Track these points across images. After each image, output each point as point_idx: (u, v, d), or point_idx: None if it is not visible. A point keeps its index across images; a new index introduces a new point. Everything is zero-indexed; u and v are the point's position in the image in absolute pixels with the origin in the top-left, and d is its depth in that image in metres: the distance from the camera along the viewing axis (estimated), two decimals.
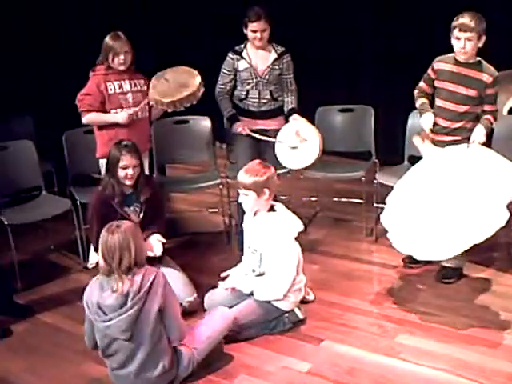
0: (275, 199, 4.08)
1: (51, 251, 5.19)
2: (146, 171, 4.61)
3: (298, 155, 4.67)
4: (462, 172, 3.89)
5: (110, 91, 4.49)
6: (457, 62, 4.11)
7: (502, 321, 3.92)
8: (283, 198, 4.96)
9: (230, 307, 3.84)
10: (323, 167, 5.10)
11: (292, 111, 4.90)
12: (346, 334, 3.89)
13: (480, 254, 4.43)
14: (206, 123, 5.43)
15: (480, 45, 4.02)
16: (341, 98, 5.72)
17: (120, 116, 4.46)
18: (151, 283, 3.27)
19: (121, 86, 4.53)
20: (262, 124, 4.89)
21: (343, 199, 5.65)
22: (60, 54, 5.81)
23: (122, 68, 4.51)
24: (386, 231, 4.11)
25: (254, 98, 4.86)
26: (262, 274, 3.92)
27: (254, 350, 3.78)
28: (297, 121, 4.80)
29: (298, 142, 4.69)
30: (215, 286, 4.12)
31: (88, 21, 5.86)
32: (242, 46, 4.86)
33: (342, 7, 6.29)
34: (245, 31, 4.75)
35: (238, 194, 4.00)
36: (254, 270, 3.93)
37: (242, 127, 4.81)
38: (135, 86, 4.59)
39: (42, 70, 5.73)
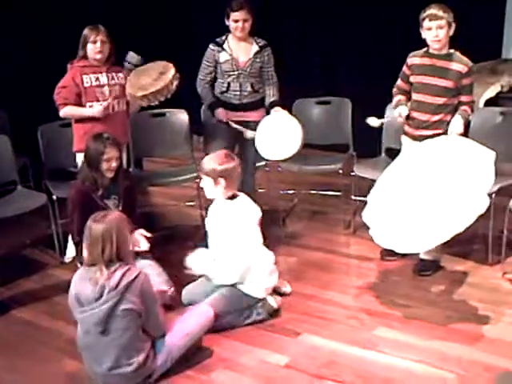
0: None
1: (27, 246, 5.12)
2: (124, 165, 4.58)
3: (279, 146, 4.65)
4: (441, 163, 3.89)
5: (85, 84, 4.44)
6: (430, 55, 4.12)
7: (479, 312, 3.94)
8: (261, 190, 4.96)
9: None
10: (301, 160, 5.08)
11: (274, 103, 4.89)
12: (323, 327, 3.88)
13: (457, 246, 4.45)
14: (183, 116, 5.40)
15: (451, 33, 4.03)
16: (318, 90, 5.71)
17: (96, 109, 4.42)
18: (130, 282, 3.23)
19: (97, 79, 4.48)
20: (242, 115, 4.87)
21: (321, 192, 5.65)
22: (36, 47, 5.74)
23: (98, 57, 4.45)
24: (364, 224, 4.10)
25: (235, 90, 4.84)
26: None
27: (231, 343, 3.76)
28: (279, 112, 4.79)
29: (279, 133, 4.67)
30: (193, 280, 4.10)
31: (68, 14, 5.78)
32: (224, 37, 4.83)
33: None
34: (227, 22, 4.73)
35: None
36: (214, 258, 3.94)
37: (222, 114, 4.80)
38: (112, 78, 4.54)
39: (18, 63, 5.65)
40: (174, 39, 6.67)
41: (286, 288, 4.21)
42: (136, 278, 3.25)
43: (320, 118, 5.52)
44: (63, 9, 5.87)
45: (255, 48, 4.85)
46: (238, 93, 4.86)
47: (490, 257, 4.50)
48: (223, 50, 4.80)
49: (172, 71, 4.41)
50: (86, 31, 4.44)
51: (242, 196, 3.98)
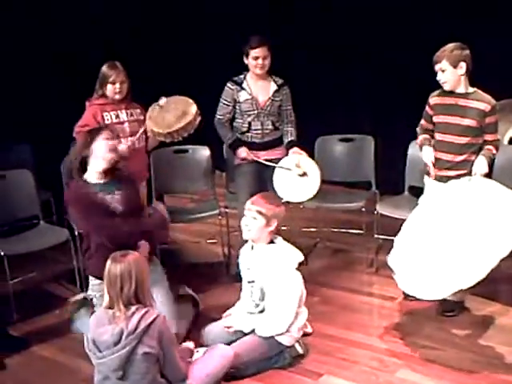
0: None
1: (48, 281, 5.12)
2: (144, 200, 4.58)
3: (296, 189, 4.64)
4: (466, 207, 3.83)
5: (107, 121, 4.47)
6: (451, 94, 4.10)
7: (505, 357, 3.85)
8: (283, 228, 4.90)
9: (229, 343, 3.79)
10: (323, 197, 5.06)
11: (291, 143, 4.88)
12: (345, 369, 3.81)
13: (483, 286, 4.32)
14: (205, 152, 5.41)
15: (460, 73, 3.99)
16: (341, 127, 5.69)
17: (120, 147, 4.39)
18: (148, 325, 3.20)
19: (117, 116, 4.52)
20: (265, 154, 4.85)
21: (343, 230, 5.60)
22: (61, 83, 5.80)
23: (117, 97, 4.50)
24: (386, 263, 4.06)
25: (257, 129, 4.82)
26: (263, 311, 3.87)
27: (247, 383, 3.72)
28: (297, 154, 4.77)
29: (297, 176, 4.65)
30: (214, 319, 4.06)
31: (90, 50, 5.83)
32: (242, 76, 4.83)
33: (341, 35, 6.30)
34: (245, 61, 4.73)
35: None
36: (257, 305, 3.88)
37: (246, 152, 4.78)
38: (132, 115, 4.58)
39: (43, 98, 5.70)
40: (189, 74, 6.68)
41: (308, 328, 4.15)
42: (154, 320, 3.22)
43: (343, 155, 5.50)
44: (89, 42, 5.93)
45: (274, 87, 4.84)
46: (260, 131, 4.84)
47: None
48: (242, 89, 4.78)
49: (194, 107, 4.42)
50: (104, 70, 4.48)
51: (279, 239, 3.93)
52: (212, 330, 3.99)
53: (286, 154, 4.85)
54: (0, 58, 5.48)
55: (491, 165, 4.20)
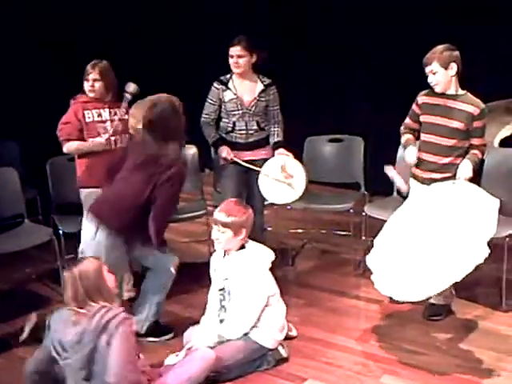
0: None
1: (32, 281, 5.06)
2: None
3: (282, 190, 4.60)
4: (446, 210, 3.79)
5: (87, 119, 4.41)
6: (441, 95, 4.06)
7: (489, 361, 3.82)
8: (270, 228, 4.89)
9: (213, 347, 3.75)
10: (311, 198, 5.03)
11: (278, 144, 4.84)
12: (330, 373, 3.78)
13: (469, 290, 4.36)
14: (192, 151, 5.37)
15: (451, 74, 3.97)
16: (330, 128, 5.65)
17: (95, 143, 4.38)
18: (108, 320, 3.19)
19: (100, 115, 4.45)
20: (250, 155, 4.82)
21: (331, 231, 5.57)
22: (48, 80, 5.74)
23: (91, 95, 4.44)
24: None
25: (241, 129, 4.79)
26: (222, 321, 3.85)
27: None
28: (283, 156, 4.73)
29: (283, 177, 4.62)
30: (197, 322, 4.02)
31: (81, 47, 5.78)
32: (228, 76, 4.80)
33: (331, 34, 6.28)
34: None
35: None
36: (218, 315, 3.85)
37: (226, 151, 4.74)
38: (115, 114, 4.49)
39: (29, 96, 5.65)
40: (183, 74, 6.64)
41: (292, 332, 4.11)
42: (115, 316, 3.21)
43: (332, 156, 5.47)
44: (79, 40, 5.88)
45: (260, 87, 4.80)
46: (244, 132, 4.80)
47: (504, 302, 4.39)
48: (228, 88, 4.75)
49: None
50: (86, 67, 4.45)
51: (250, 242, 3.88)
52: (193, 333, 3.94)
53: (272, 155, 4.81)
54: None
55: (478, 169, 4.17)
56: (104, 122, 4.45)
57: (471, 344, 4.01)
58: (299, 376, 3.76)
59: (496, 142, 5.46)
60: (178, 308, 4.56)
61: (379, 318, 4.39)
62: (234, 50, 4.64)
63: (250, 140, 4.83)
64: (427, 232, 3.76)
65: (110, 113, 4.48)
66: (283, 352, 3.88)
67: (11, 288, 4.94)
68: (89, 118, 4.42)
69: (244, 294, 3.73)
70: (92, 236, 3.97)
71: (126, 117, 4.49)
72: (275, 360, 3.85)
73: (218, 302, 3.88)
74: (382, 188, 5.24)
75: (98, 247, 3.92)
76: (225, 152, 4.75)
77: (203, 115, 4.85)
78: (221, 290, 3.86)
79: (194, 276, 5.07)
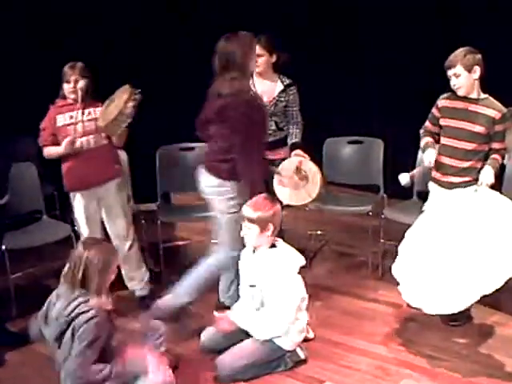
0: (280, 230, 3.96)
1: (48, 277, 5.03)
2: (123, 201, 4.57)
3: (295, 192, 4.53)
4: (472, 220, 3.75)
5: (58, 124, 4.34)
6: (462, 98, 4.02)
7: (506, 367, 3.79)
8: (287, 229, 4.84)
9: (228, 347, 3.75)
10: (330, 200, 5.02)
11: (295, 145, 4.80)
12: (348, 376, 3.76)
13: (489, 296, 4.29)
14: None
15: (475, 77, 3.93)
16: (350, 129, 5.62)
17: (65, 146, 4.26)
18: (78, 314, 3.23)
19: (71, 117, 4.34)
20: (268, 154, 4.78)
21: (349, 233, 5.54)
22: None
23: (72, 96, 4.34)
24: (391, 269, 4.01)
25: None
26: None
27: None
28: (298, 157, 4.70)
29: (297, 179, 4.58)
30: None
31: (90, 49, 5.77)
32: None
33: (352, 39, 6.25)
34: None
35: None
36: (257, 309, 3.81)
37: None
38: (89, 114, 4.38)
39: (47, 91, 5.64)
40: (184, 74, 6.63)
41: (309, 334, 4.09)
42: (87, 311, 3.24)
43: (351, 158, 5.43)
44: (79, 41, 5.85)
45: (280, 87, 4.76)
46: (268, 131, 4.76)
47: None
48: None
49: (127, 94, 4.18)
50: (64, 69, 4.35)
51: (281, 242, 3.87)
52: (210, 334, 3.95)
53: (289, 155, 4.78)
54: (3, 54, 5.42)
55: (499, 174, 4.13)
56: (76, 123, 4.31)
57: (491, 350, 3.98)
58: (317, 378, 3.75)
59: None
60: (199, 307, 4.54)
61: (398, 321, 4.36)
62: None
63: (269, 140, 4.78)
64: (455, 242, 3.72)
65: (83, 113, 4.35)
66: (301, 354, 3.87)
67: (29, 284, 4.94)
68: (60, 122, 4.34)
69: (279, 296, 3.70)
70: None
71: None
72: (293, 362, 3.83)
73: (250, 298, 3.86)
74: (400, 191, 5.16)
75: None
76: None
77: None
78: (252, 286, 3.83)
79: None
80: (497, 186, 4.04)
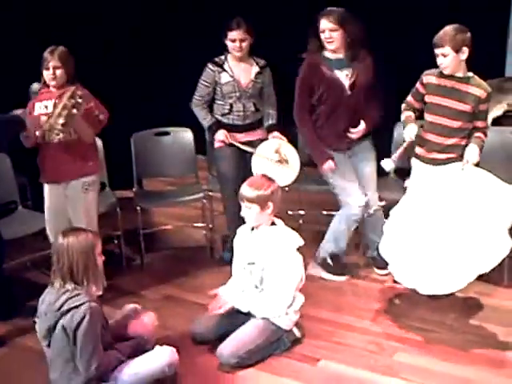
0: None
1: (27, 269, 4.95)
2: (94, 203, 4.36)
3: (274, 174, 4.53)
4: (461, 198, 3.78)
5: (35, 113, 4.15)
6: (448, 76, 4.02)
7: (499, 336, 3.87)
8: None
9: (224, 334, 3.74)
10: (308, 180, 5.01)
11: (272, 127, 4.81)
12: (342, 353, 3.79)
13: None
14: (187, 135, 5.31)
15: (463, 58, 3.92)
16: None
17: (29, 135, 4.09)
18: (69, 309, 3.18)
19: (46, 107, 4.14)
20: (246, 136, 4.77)
21: (328, 212, 5.54)
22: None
23: (52, 83, 4.16)
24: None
25: (238, 111, 4.73)
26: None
27: (249, 372, 3.65)
28: (277, 139, 4.72)
29: (277, 161, 4.61)
30: (197, 304, 4.10)
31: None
32: (223, 57, 4.72)
33: None
34: (225, 41, 4.62)
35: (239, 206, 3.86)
36: (256, 287, 3.80)
37: (225, 135, 4.68)
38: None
39: (16, 82, 5.51)
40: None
41: None
42: (77, 307, 3.18)
43: None
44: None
45: (256, 69, 4.75)
46: (242, 113, 4.74)
47: (506, 278, 4.42)
48: (224, 70, 4.68)
49: (68, 93, 4.00)
50: (44, 54, 4.15)
51: (280, 222, 3.87)
52: (202, 323, 3.91)
53: (266, 137, 4.78)
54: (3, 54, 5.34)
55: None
56: (48, 114, 4.10)
57: (480, 320, 4.06)
58: (313, 357, 3.77)
59: (489, 121, 5.49)
60: (177, 291, 4.54)
61: (383, 297, 4.40)
62: (237, 34, 4.54)
63: (247, 121, 4.78)
64: (445, 222, 3.75)
65: (54, 104, 4.10)
66: (297, 332, 3.87)
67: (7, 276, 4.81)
68: (35, 111, 4.15)
69: (282, 274, 3.70)
70: None
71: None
72: (290, 341, 3.84)
73: (248, 275, 3.84)
74: (378, 169, 5.22)
75: None
76: (223, 135, 4.69)
77: (196, 97, 4.76)
78: (250, 263, 3.82)
79: (190, 260, 5.07)
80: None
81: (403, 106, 4.32)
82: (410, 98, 4.28)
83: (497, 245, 3.57)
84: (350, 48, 4.35)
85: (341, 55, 4.38)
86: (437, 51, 3.92)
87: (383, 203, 4.53)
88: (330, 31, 4.28)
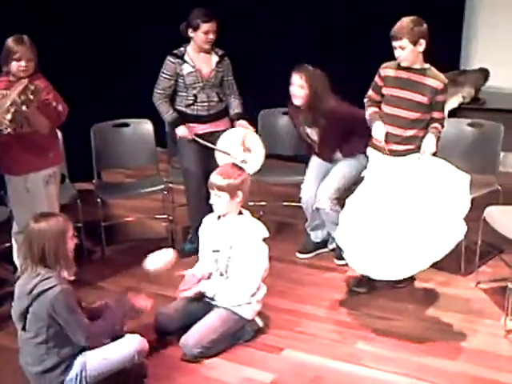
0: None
1: None
2: (56, 195, 4.31)
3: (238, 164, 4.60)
4: (417, 186, 3.84)
5: None
6: (405, 68, 4.05)
7: (457, 323, 3.97)
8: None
9: (187, 324, 3.77)
10: (267, 171, 5.03)
11: (238, 116, 4.84)
12: (305, 342, 3.84)
13: None
14: (147, 126, 5.29)
15: (420, 50, 3.95)
16: (284, 100, 5.64)
17: None
18: (41, 292, 3.18)
19: (3, 95, 3.96)
20: (209, 126, 4.78)
21: (287, 203, 5.60)
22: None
23: (21, 75, 4.03)
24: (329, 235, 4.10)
25: (203, 101, 4.74)
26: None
27: (214, 361, 3.68)
28: (243, 128, 4.75)
29: (242, 152, 4.64)
30: (161, 295, 4.10)
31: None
32: (182, 49, 4.71)
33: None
34: (191, 34, 4.62)
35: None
36: (221, 274, 3.84)
37: (188, 132, 4.69)
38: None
39: None
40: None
41: None
42: (48, 289, 3.19)
43: (286, 129, 5.46)
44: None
45: (216, 58, 4.77)
46: (207, 104, 4.76)
47: (463, 267, 4.53)
48: (185, 62, 4.67)
49: (20, 87, 3.88)
50: (10, 44, 4.00)
51: (246, 212, 3.90)
52: (165, 311, 3.93)
53: (231, 126, 4.80)
54: None
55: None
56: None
57: (437, 308, 4.16)
58: (276, 346, 3.81)
59: (445, 112, 5.60)
60: (138, 283, 4.54)
61: (344, 287, 4.46)
62: (211, 26, 4.56)
63: (212, 112, 4.79)
64: (400, 209, 3.79)
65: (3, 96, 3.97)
66: (260, 322, 3.92)
67: None
68: None
69: (247, 262, 3.75)
70: None
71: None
72: (253, 331, 3.88)
73: (213, 263, 3.88)
74: None
75: None
76: (185, 131, 4.70)
77: (158, 91, 4.75)
78: (215, 251, 3.85)
79: (152, 251, 5.01)
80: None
81: (365, 100, 4.35)
82: (370, 92, 4.31)
83: (450, 232, 3.61)
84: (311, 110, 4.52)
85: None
86: (394, 44, 3.95)
87: (337, 208, 4.50)
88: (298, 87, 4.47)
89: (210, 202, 3.84)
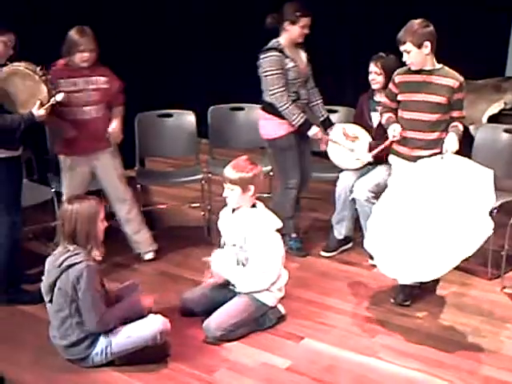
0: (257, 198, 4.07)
1: (30, 240, 5.11)
2: (118, 169, 4.62)
3: (355, 154, 4.70)
4: (441, 186, 3.83)
5: (60, 88, 4.14)
6: (418, 71, 4.04)
7: (478, 325, 4.01)
8: (264, 195, 4.97)
9: (211, 308, 3.90)
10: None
11: (328, 121, 4.93)
12: (325, 333, 3.93)
13: None
14: (189, 117, 5.44)
15: (426, 52, 3.92)
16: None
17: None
18: (68, 266, 3.39)
19: (74, 84, 4.30)
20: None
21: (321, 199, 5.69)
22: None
23: (84, 65, 4.26)
24: (360, 230, 4.24)
25: (304, 98, 4.74)
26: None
27: (234, 345, 3.80)
28: (337, 124, 4.88)
29: (351, 142, 4.71)
30: (192, 281, 4.24)
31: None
32: (276, 43, 4.56)
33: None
34: (287, 27, 4.53)
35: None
36: (243, 265, 3.94)
37: (324, 137, 4.76)
38: (92, 83, 4.36)
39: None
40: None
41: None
42: (75, 264, 3.39)
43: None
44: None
45: (304, 53, 4.73)
46: (306, 100, 4.75)
47: (490, 271, 4.56)
48: (286, 56, 4.55)
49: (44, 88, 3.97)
50: (74, 36, 4.20)
51: (260, 204, 3.98)
52: (189, 297, 4.08)
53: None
54: None
55: (467, 142, 4.27)
56: (77, 91, 4.30)
57: (460, 309, 4.19)
58: (296, 335, 3.91)
59: (485, 119, 5.64)
60: (172, 268, 4.73)
61: (370, 282, 4.55)
62: (309, 20, 4.52)
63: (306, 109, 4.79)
64: (426, 211, 3.79)
65: (86, 82, 4.34)
66: (282, 309, 4.03)
67: None
68: (61, 87, 4.17)
69: (263, 253, 3.83)
70: None
71: (106, 86, 4.43)
72: (275, 318, 3.99)
73: (233, 255, 3.97)
74: None
75: None
76: (317, 131, 4.70)
77: (279, 90, 4.53)
78: (233, 245, 3.96)
79: (188, 239, 5.21)
80: (462, 154, 4.02)
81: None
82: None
83: (478, 228, 3.56)
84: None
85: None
86: (400, 48, 3.96)
87: (373, 201, 4.50)
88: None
89: (223, 195, 3.91)
